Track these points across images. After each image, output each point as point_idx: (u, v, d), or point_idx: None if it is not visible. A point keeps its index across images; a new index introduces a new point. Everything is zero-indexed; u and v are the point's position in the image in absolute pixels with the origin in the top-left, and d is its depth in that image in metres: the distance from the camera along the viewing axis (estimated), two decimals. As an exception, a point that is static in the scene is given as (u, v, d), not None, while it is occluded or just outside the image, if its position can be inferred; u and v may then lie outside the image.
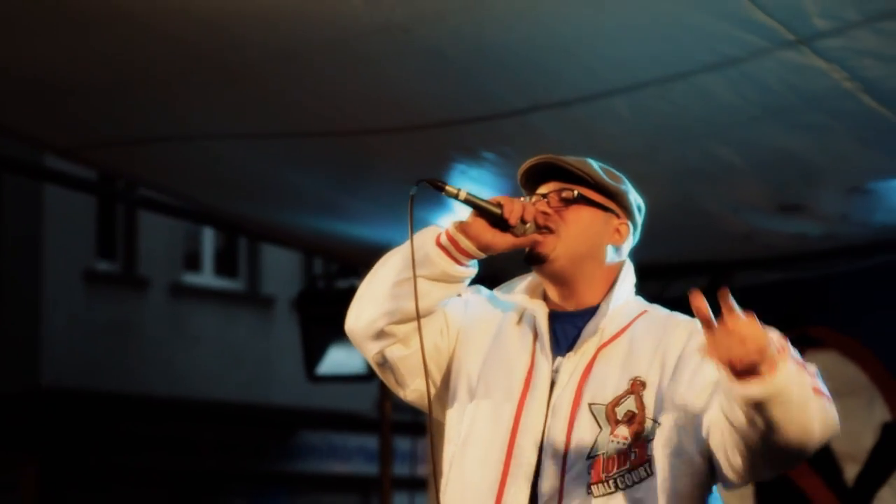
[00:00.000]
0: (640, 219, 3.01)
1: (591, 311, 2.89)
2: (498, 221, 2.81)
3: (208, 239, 14.12)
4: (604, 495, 2.73)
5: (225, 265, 14.34)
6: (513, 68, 4.29)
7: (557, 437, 2.78)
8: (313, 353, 7.57)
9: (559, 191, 2.89)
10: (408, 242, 2.87)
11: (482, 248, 2.83)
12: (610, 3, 3.87)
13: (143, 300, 13.37)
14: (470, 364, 2.93)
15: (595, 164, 2.97)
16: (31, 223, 12.48)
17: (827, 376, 5.51)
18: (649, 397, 2.77)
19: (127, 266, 13.38)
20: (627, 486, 2.73)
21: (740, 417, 2.56)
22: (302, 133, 4.96)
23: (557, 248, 2.85)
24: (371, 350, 2.92)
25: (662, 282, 5.88)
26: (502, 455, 2.81)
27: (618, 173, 3.01)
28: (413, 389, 2.96)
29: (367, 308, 2.89)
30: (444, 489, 2.91)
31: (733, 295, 5.91)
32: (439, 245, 2.85)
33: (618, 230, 2.93)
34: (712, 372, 2.64)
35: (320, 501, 15.08)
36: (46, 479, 12.42)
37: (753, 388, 2.52)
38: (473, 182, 5.24)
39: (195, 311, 13.72)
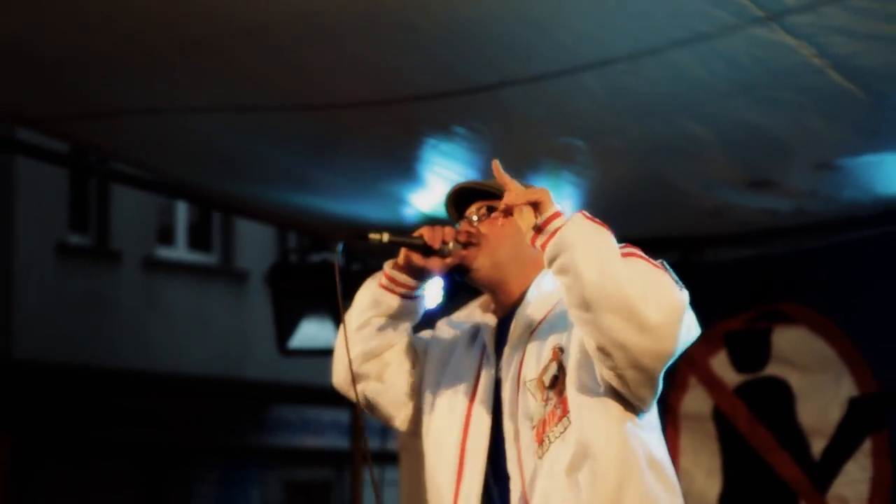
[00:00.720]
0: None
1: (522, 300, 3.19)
2: (424, 249, 3.13)
3: (182, 213, 14.08)
4: (545, 454, 2.99)
5: (198, 239, 14.30)
6: (484, 43, 4.28)
7: (507, 422, 3.07)
8: (285, 327, 7.57)
9: (479, 209, 3.19)
10: (357, 294, 3.27)
11: (417, 276, 3.19)
12: (581, -22, 3.88)
13: (116, 274, 13.33)
14: (429, 384, 3.27)
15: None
16: (2, 196, 12.41)
17: (796, 351, 5.60)
18: (564, 359, 3.03)
19: (100, 239, 13.32)
20: (557, 438, 2.98)
21: (556, 279, 2.92)
22: (272, 107, 4.94)
23: (479, 258, 3.14)
24: (356, 396, 3.27)
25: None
26: (455, 460, 3.14)
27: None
28: (402, 420, 3.33)
29: (340, 360, 3.27)
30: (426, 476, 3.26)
31: (704, 270, 5.96)
32: (382, 287, 3.22)
33: None
34: None
35: (293, 475, 15.11)
36: (20, 452, 12.40)
37: (541, 239, 2.92)
38: (445, 157, 5.25)
39: (168, 284, 13.69)
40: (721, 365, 5.80)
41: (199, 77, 4.72)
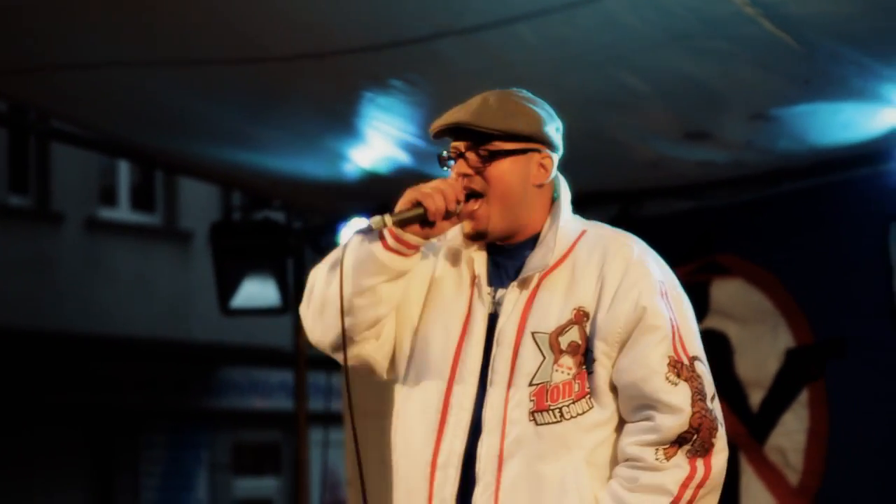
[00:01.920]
0: (559, 140, 2.99)
1: (532, 240, 2.91)
2: (427, 222, 2.84)
3: (124, 173, 13.96)
4: (549, 423, 2.80)
5: (141, 200, 14.19)
6: (419, -7, 4.28)
7: (502, 366, 2.84)
8: (227, 287, 7.51)
9: (474, 149, 2.87)
10: (347, 254, 2.91)
11: (426, 237, 2.88)
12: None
13: (58, 236, 13.21)
14: (411, 314, 2.97)
15: (505, 100, 2.93)
16: (-60, 158, 12.28)
17: (733, 303, 5.63)
18: (588, 328, 2.83)
19: (40, 201, 13.19)
20: (573, 417, 2.80)
21: None
22: (206, 60, 4.91)
23: (491, 216, 2.87)
24: (346, 357, 2.96)
25: (574, 211, 5.92)
26: (441, 395, 2.88)
27: (529, 98, 2.98)
28: (388, 368, 3.03)
29: (331, 323, 2.92)
30: (394, 429, 2.99)
31: (643, 223, 5.96)
32: (389, 249, 2.87)
33: (541, 165, 2.91)
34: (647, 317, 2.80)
35: (242, 437, 15.09)
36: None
37: None
38: (383, 111, 5.23)
39: (112, 246, 13.58)
40: (661, 318, 5.82)
41: (131, 30, 4.68)
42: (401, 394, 2.98)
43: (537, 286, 2.86)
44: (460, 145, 2.89)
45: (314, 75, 4.95)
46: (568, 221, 2.93)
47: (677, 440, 2.77)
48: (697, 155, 5.32)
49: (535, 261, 2.87)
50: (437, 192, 2.82)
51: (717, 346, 5.68)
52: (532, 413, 2.80)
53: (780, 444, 5.51)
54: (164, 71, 5.04)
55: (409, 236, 2.85)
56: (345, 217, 6.42)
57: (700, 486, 2.78)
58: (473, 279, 2.92)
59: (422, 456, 2.89)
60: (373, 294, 2.88)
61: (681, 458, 2.77)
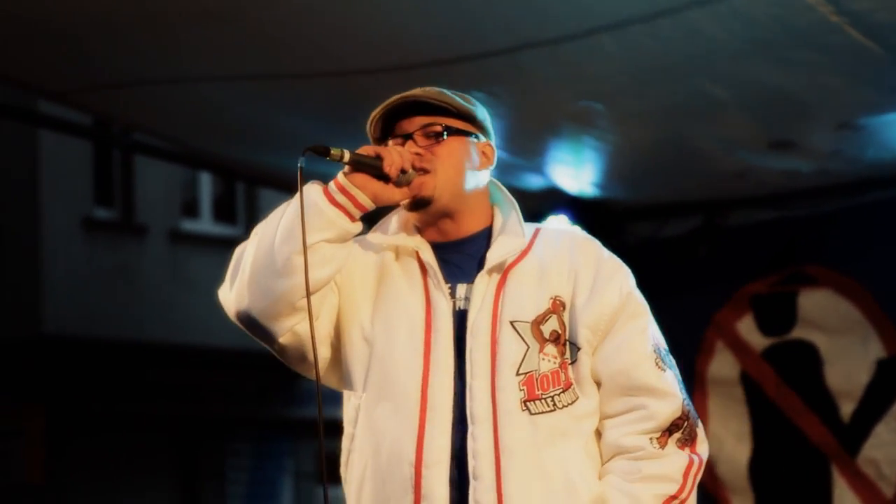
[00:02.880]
0: (494, 135, 2.97)
1: (481, 236, 2.86)
2: (380, 174, 2.73)
3: (206, 185, 14.09)
4: (543, 413, 2.71)
5: (223, 211, 14.32)
6: (502, 6, 4.27)
7: (481, 357, 2.72)
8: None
9: (424, 127, 2.82)
10: (289, 207, 2.77)
11: (373, 200, 2.74)
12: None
13: (142, 247, 13.37)
14: (360, 312, 2.82)
15: (448, 92, 2.90)
16: (27, 170, 12.45)
17: (822, 314, 5.57)
18: (567, 318, 2.77)
19: (125, 213, 13.36)
20: (566, 406, 2.72)
21: None
22: (290, 74, 4.94)
23: (437, 187, 2.78)
24: (282, 331, 2.79)
25: (656, 222, 5.89)
26: (417, 392, 2.73)
27: (465, 94, 2.93)
28: (322, 358, 2.85)
29: (268, 286, 2.73)
30: (353, 444, 2.88)
31: (728, 234, 5.92)
32: (335, 204, 2.72)
33: (484, 153, 2.89)
34: (626, 305, 2.79)
35: (326, 446, 15.14)
36: (52, 427, 12.48)
37: None
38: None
39: (194, 257, 13.72)
40: (748, 329, 5.77)
41: (215, 45, 4.72)
42: (366, 399, 2.81)
43: (504, 277, 2.78)
44: (409, 126, 2.82)
45: (396, 88, 4.94)
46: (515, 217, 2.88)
47: (669, 428, 2.73)
48: (782, 164, 5.26)
49: (505, 247, 2.80)
50: (397, 153, 2.75)
51: (807, 357, 5.62)
52: (524, 402, 2.71)
53: (873, 456, 5.43)
54: (249, 85, 5.08)
55: (357, 192, 2.71)
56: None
57: (696, 474, 2.75)
58: (424, 273, 2.81)
59: (402, 457, 2.73)
60: (315, 252, 2.69)
61: (672, 446, 2.74)
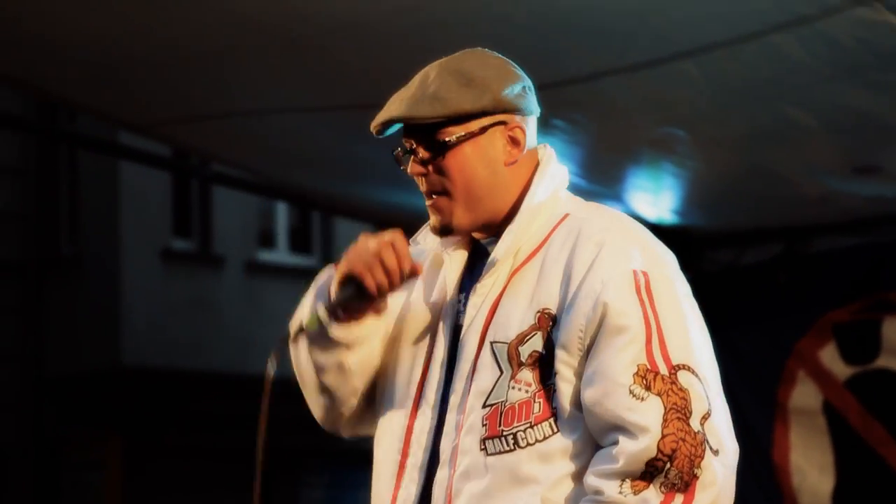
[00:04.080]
0: (529, 100, 2.48)
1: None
2: (368, 296, 2.34)
3: (282, 215, 14.19)
4: (499, 453, 2.25)
5: (299, 241, 14.41)
6: (582, 33, 4.25)
7: (460, 386, 2.31)
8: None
9: (424, 142, 2.38)
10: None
11: (382, 306, 2.40)
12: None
13: (219, 278, 13.47)
14: (386, 344, 2.48)
15: (447, 73, 2.44)
16: (108, 201, 12.61)
17: (906, 342, 5.49)
18: (555, 335, 2.26)
19: (203, 244, 13.48)
20: (532, 444, 2.24)
21: None
22: (370, 104, 4.95)
23: (455, 210, 2.35)
24: (362, 428, 2.59)
25: (736, 249, 5.84)
26: (402, 430, 2.39)
27: (480, 59, 2.48)
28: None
29: (313, 402, 2.59)
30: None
31: (810, 261, 5.85)
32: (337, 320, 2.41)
33: (511, 138, 2.39)
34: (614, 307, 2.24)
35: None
36: (130, 456, 12.59)
37: None
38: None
39: (270, 288, 13.80)
40: (830, 357, 5.69)
41: (293, 77, 4.76)
42: (377, 433, 2.51)
43: (506, 286, 2.32)
44: (411, 140, 2.41)
45: (476, 116, 4.96)
46: (547, 201, 2.38)
47: (647, 470, 2.18)
48: (867, 190, 5.20)
49: (498, 252, 2.33)
50: (376, 260, 2.32)
51: (891, 387, 5.54)
52: (483, 441, 2.26)
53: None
54: (329, 115, 5.11)
55: (357, 327, 2.38)
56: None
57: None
58: (445, 292, 2.40)
59: None
60: (338, 370, 2.44)
61: (652, 492, 2.17)
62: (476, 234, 2.41)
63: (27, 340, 12.50)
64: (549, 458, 2.24)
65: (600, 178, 5.32)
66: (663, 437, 2.18)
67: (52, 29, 4.62)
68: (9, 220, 12.56)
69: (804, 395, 5.71)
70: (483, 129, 2.37)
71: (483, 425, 2.26)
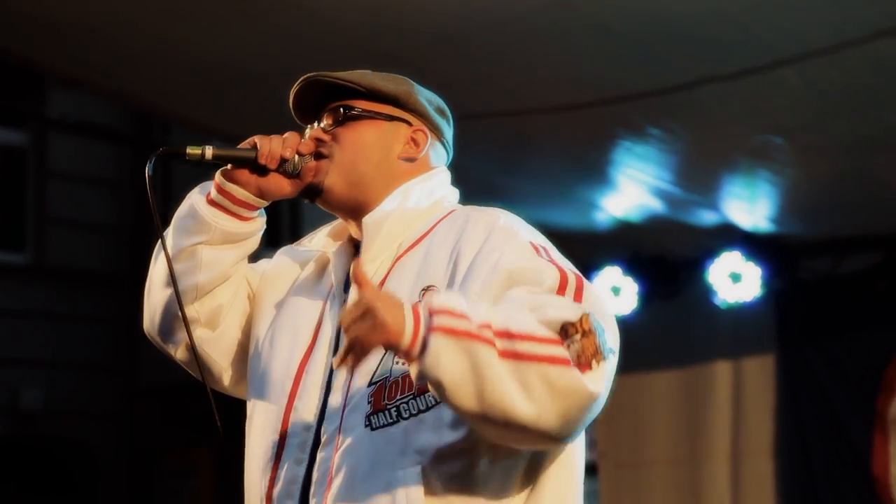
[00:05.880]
0: (443, 122, 2.55)
1: None
2: (258, 167, 2.42)
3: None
4: (383, 426, 2.23)
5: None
6: (681, 41, 4.23)
7: (343, 370, 2.28)
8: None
9: (332, 110, 2.46)
10: (174, 215, 2.51)
11: (259, 195, 2.44)
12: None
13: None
14: (260, 327, 2.51)
15: (379, 74, 2.52)
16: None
17: None
18: None
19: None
20: (412, 415, 2.22)
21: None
22: (465, 115, 4.96)
23: (331, 174, 2.40)
24: (176, 344, 2.54)
25: (834, 257, 5.77)
26: (280, 415, 2.39)
27: (404, 78, 2.55)
28: (229, 376, 2.58)
29: (155, 300, 2.52)
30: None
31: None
32: (212, 204, 2.45)
33: (412, 139, 2.46)
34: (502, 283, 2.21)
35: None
36: (221, 465, 12.72)
37: (412, 369, 2.12)
38: (639, 159, 5.19)
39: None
40: (931, 367, 5.63)
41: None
42: (249, 409, 2.51)
43: (389, 270, 2.36)
44: (324, 112, 2.49)
45: (570, 125, 4.95)
46: (424, 207, 2.43)
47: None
48: (969, 196, 5.13)
49: (369, 238, 2.39)
50: (277, 139, 2.41)
51: None
52: (367, 416, 2.25)
53: None
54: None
55: (235, 188, 2.42)
56: (596, 267, 6.38)
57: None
58: (331, 286, 2.44)
59: (258, 489, 2.44)
60: (190, 257, 2.45)
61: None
62: (339, 214, 2.46)
63: (122, 351, 12.67)
64: (432, 428, 2.21)
65: (695, 187, 5.29)
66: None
67: (149, 43, 4.68)
68: (104, 232, 12.74)
69: (904, 405, 5.65)
70: (390, 118, 2.46)
71: (368, 402, 2.25)
